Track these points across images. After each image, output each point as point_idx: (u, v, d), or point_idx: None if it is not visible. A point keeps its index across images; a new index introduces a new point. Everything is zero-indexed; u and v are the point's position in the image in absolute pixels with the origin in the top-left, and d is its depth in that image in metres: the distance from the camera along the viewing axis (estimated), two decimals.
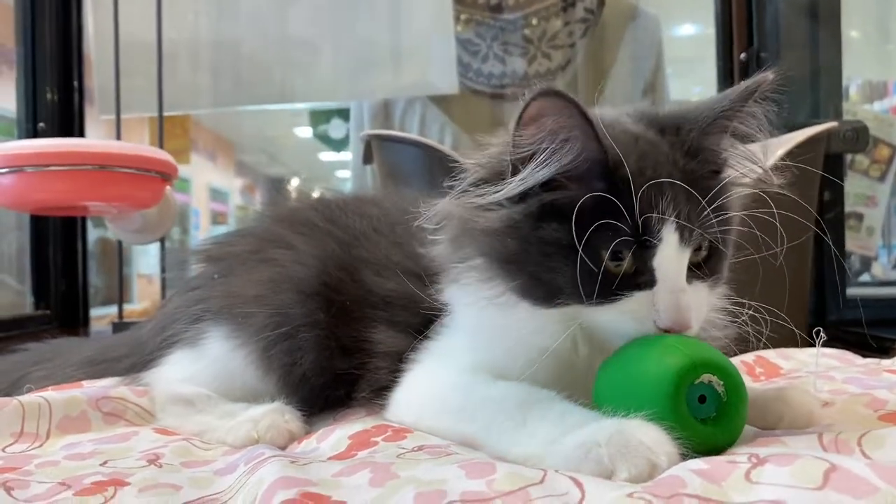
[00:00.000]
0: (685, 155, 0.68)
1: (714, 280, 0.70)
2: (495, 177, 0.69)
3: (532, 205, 0.67)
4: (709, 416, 0.63)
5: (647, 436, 0.57)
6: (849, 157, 2.74)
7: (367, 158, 1.61)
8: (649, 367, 0.63)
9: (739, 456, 0.55)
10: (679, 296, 0.65)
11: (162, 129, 1.70)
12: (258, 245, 0.96)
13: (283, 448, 0.79)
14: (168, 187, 1.59)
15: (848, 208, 2.83)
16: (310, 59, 1.97)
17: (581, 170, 0.65)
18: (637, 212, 0.63)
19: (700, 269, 0.68)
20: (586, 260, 0.64)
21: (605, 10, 2.03)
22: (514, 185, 0.66)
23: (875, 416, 0.72)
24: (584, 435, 0.59)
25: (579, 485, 0.52)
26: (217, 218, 7.10)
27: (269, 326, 0.87)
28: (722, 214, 0.68)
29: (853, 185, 2.84)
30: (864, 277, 3.26)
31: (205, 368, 0.91)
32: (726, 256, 0.72)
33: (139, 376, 0.98)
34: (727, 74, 1.89)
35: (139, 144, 1.46)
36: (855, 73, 3.37)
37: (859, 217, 2.84)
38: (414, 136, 1.60)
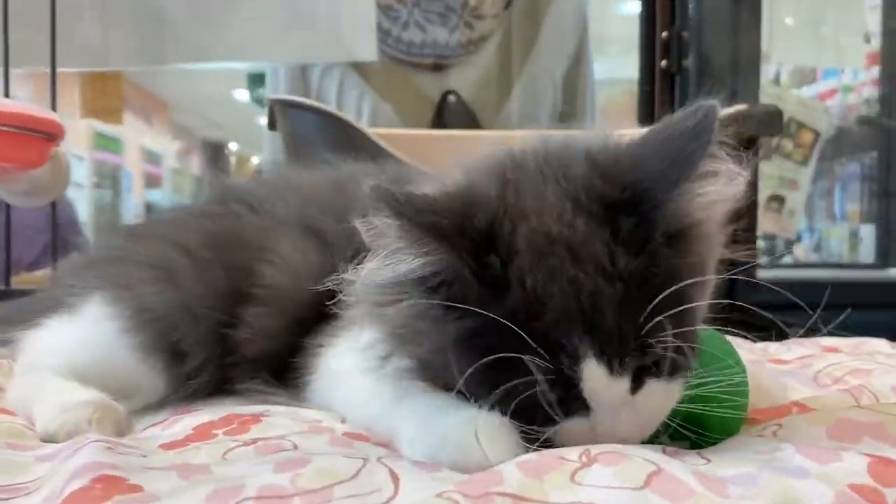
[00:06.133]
0: (629, 246, 0.54)
1: (676, 371, 0.55)
2: None
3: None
4: None
5: (484, 427, 0.54)
6: (773, 140, 2.78)
7: (272, 124, 1.55)
8: None
9: (571, 452, 0.52)
10: (617, 423, 0.54)
11: (55, 86, 1.60)
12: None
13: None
14: (58, 148, 1.50)
15: (771, 191, 2.88)
16: (223, 18, 1.89)
17: (460, 286, 0.54)
18: (544, 353, 0.51)
19: (656, 367, 0.54)
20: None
21: None
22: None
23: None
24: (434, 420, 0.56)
25: (396, 480, 0.49)
26: (151, 181, 6.90)
27: (144, 281, 0.83)
28: (683, 308, 0.53)
29: (777, 169, 2.88)
30: (787, 259, 3.34)
31: (72, 335, 0.85)
32: (694, 350, 0.57)
33: (12, 339, 0.90)
34: (649, 53, 1.88)
35: (21, 102, 1.36)
36: (787, 58, 3.40)
37: (781, 200, 2.88)
38: (317, 103, 1.54)
